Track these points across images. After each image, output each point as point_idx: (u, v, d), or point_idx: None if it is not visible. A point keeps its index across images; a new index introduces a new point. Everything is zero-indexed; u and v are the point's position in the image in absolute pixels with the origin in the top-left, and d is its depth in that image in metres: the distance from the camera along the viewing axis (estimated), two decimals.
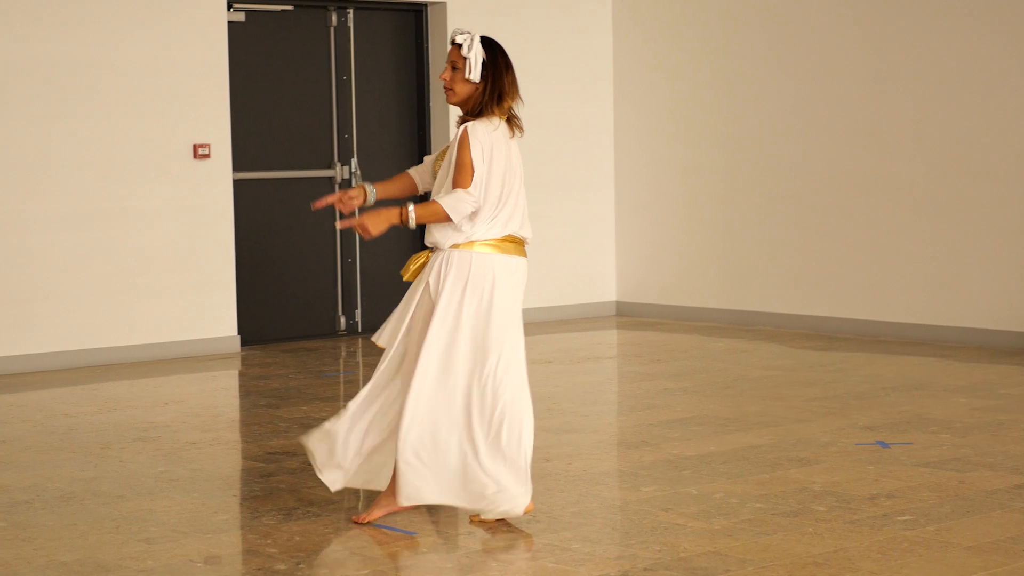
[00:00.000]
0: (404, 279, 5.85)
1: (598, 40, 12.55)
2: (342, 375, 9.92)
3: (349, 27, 11.54)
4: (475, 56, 5.70)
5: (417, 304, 5.77)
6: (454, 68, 5.74)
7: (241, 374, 10.02)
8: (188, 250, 10.58)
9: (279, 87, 11.25)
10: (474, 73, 5.69)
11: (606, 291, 12.70)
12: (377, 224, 5.64)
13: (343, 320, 11.63)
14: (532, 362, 10.03)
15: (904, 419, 7.81)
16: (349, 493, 6.28)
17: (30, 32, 9.89)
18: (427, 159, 5.99)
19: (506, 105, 5.76)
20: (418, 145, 11.93)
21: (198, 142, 10.57)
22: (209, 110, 10.62)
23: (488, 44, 5.77)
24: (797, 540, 5.47)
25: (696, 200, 12.19)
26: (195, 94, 10.58)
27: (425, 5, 11.82)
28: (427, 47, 11.84)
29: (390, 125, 11.82)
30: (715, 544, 5.41)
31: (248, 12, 11.02)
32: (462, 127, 5.72)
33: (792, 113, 11.49)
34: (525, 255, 5.85)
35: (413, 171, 6.02)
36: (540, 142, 12.24)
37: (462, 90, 5.75)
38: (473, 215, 5.65)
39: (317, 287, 11.51)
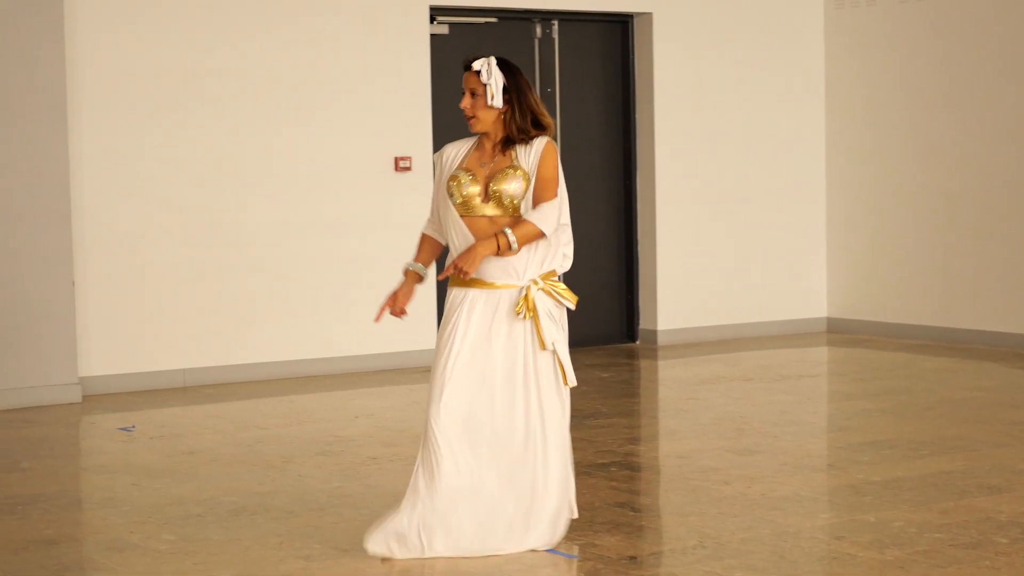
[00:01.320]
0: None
1: (809, 51, 12.26)
2: None
3: (554, 39, 11.48)
4: (495, 81, 5.56)
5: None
6: (473, 95, 5.60)
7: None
8: (390, 263, 10.60)
9: None
10: (496, 99, 5.56)
11: (816, 307, 12.40)
12: (473, 263, 5.50)
13: None
14: (733, 379, 9.88)
15: None
16: None
17: (247, 48, 10.05)
18: (433, 206, 5.79)
19: (547, 123, 5.64)
20: (623, 156, 11.80)
21: (399, 155, 10.61)
22: (411, 123, 10.65)
23: (506, 66, 5.64)
24: (971, 574, 5.21)
25: (911, 215, 11.83)
26: (397, 107, 10.63)
27: (631, 16, 11.69)
28: (633, 58, 11.71)
29: (595, 137, 11.72)
30: None
31: (452, 25, 11.03)
32: (544, 140, 5.59)
33: (1012, 125, 11.07)
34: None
35: (428, 231, 5.84)
36: (749, 155, 12.03)
37: (486, 116, 5.61)
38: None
39: None
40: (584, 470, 7.10)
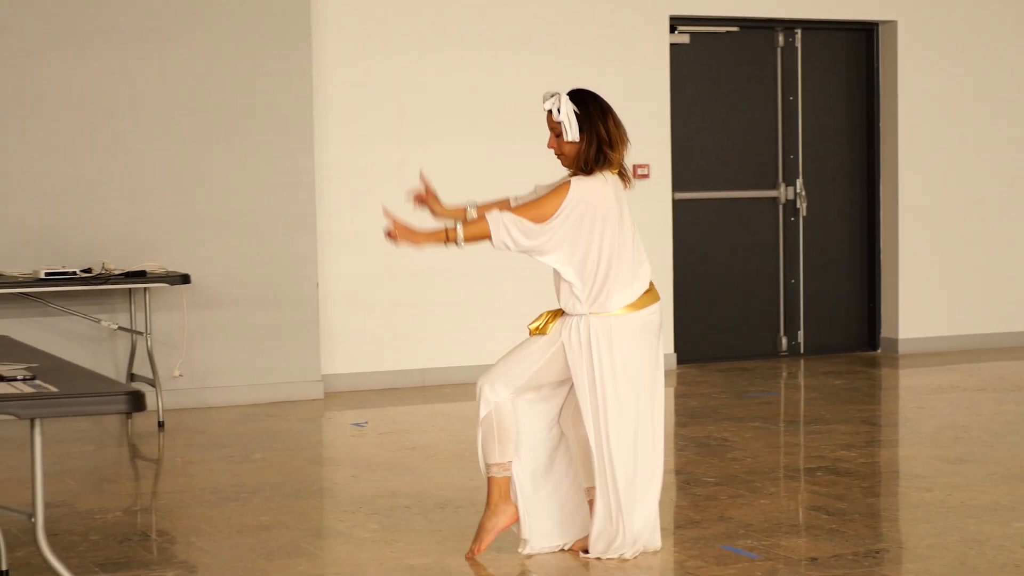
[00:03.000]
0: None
1: None
2: (762, 396, 9.87)
3: (796, 47, 11.52)
4: (567, 117, 5.55)
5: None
6: (557, 134, 5.61)
7: (667, 393, 10.16)
8: None
9: (722, 108, 11.34)
10: (571, 134, 5.54)
11: None
12: (408, 237, 5.51)
13: (785, 341, 11.60)
14: (965, 389, 9.79)
15: None
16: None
17: (487, 64, 10.37)
18: (538, 187, 5.82)
19: (612, 156, 5.59)
20: (866, 164, 11.76)
21: (637, 163, 10.79)
22: (649, 131, 10.82)
23: (578, 98, 5.61)
24: None
25: None
26: (636, 116, 10.79)
27: (876, 25, 11.65)
28: (878, 67, 11.67)
29: (838, 146, 11.71)
30: None
31: (692, 34, 11.16)
32: (568, 177, 5.61)
33: None
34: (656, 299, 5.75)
35: (512, 199, 5.82)
36: (994, 163, 11.88)
37: (571, 150, 5.60)
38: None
39: (758, 307, 11.52)
40: (788, 474, 7.18)
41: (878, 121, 11.70)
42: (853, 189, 11.78)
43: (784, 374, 10.88)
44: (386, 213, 5.61)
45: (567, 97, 5.61)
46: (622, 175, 5.71)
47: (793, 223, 11.57)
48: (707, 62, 11.29)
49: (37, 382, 4.29)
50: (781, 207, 11.53)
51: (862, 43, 11.73)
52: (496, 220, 5.51)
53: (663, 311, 10.36)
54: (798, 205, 11.53)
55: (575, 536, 5.84)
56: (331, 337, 10.04)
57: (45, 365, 4.75)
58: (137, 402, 4.11)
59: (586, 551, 5.73)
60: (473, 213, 5.72)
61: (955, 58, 11.71)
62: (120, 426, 8.96)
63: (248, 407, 9.49)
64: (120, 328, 9.23)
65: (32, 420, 4.11)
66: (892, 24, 11.55)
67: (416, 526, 6.26)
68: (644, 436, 5.66)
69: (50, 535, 6.08)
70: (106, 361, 9.36)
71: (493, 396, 5.69)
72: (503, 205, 5.75)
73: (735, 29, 11.34)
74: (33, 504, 4.18)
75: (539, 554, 5.76)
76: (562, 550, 5.81)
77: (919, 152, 11.61)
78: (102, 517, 6.52)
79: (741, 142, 11.42)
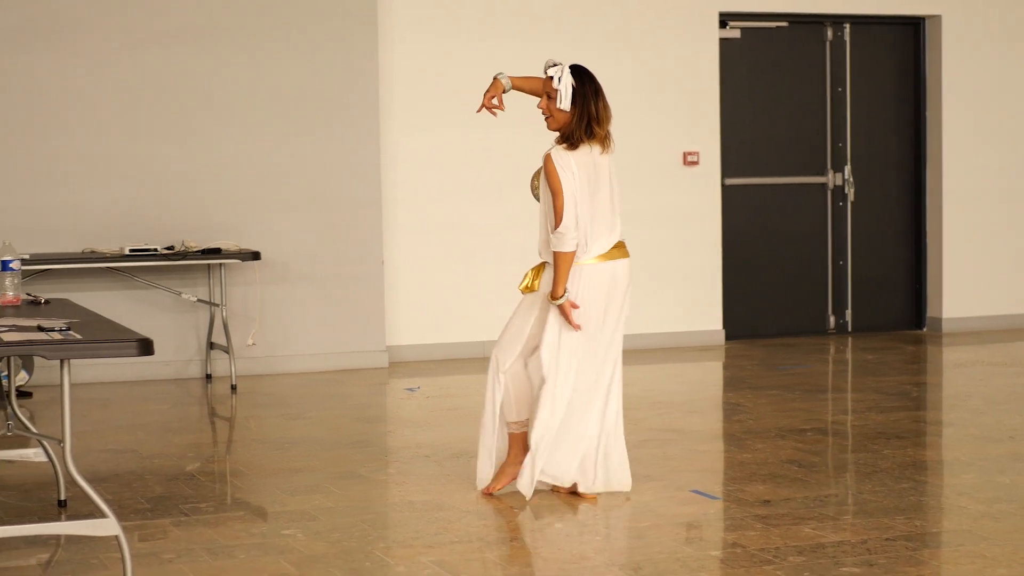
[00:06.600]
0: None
1: None
2: (793, 368, 10.52)
3: (845, 41, 12.15)
4: (564, 86, 6.29)
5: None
6: (549, 97, 6.36)
7: (704, 365, 10.90)
8: (678, 249, 11.55)
9: (771, 98, 12.01)
10: (564, 102, 6.29)
11: None
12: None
13: (832, 319, 12.25)
14: (991, 364, 10.39)
15: None
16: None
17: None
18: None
19: (598, 132, 6.33)
20: (913, 154, 12.35)
21: (688, 150, 11.52)
22: (699, 121, 11.55)
23: (577, 73, 6.34)
24: None
25: None
26: (686, 106, 11.54)
27: (922, 19, 12.25)
28: (924, 59, 12.27)
29: (885, 135, 12.33)
30: None
31: (744, 29, 11.85)
32: (545, 155, 6.34)
33: None
34: (625, 256, 6.45)
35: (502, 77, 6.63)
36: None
37: (560, 117, 6.36)
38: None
39: (806, 287, 12.18)
40: (780, 434, 7.89)
41: (924, 111, 12.29)
42: (899, 175, 12.39)
43: (824, 350, 11.52)
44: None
45: (568, 69, 6.37)
46: (604, 142, 6.43)
47: (841, 208, 12.21)
48: (757, 55, 11.97)
49: (70, 332, 5.16)
50: (830, 192, 12.18)
51: (909, 37, 12.33)
52: (558, 246, 6.27)
53: (712, 289, 11.08)
54: (846, 191, 12.17)
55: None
56: (397, 311, 10.89)
57: (85, 320, 5.63)
58: (146, 348, 4.94)
59: (574, 492, 6.50)
60: (506, 82, 6.62)
61: (998, 51, 12.27)
62: (200, 389, 9.90)
63: (315, 374, 10.37)
64: (199, 300, 10.16)
65: (61, 361, 4.98)
66: (937, 18, 12.15)
67: (428, 471, 7.08)
68: (587, 376, 6.41)
69: (111, 475, 7.06)
70: (188, 331, 10.30)
71: (502, 365, 6.49)
72: (535, 80, 6.57)
73: (784, 24, 12.00)
74: (62, 431, 5.05)
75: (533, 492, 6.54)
76: (555, 490, 6.57)
77: (963, 140, 12.20)
78: (159, 461, 7.42)
79: (791, 131, 12.09)
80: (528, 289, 6.49)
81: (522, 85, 6.66)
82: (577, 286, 6.36)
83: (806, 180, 12.15)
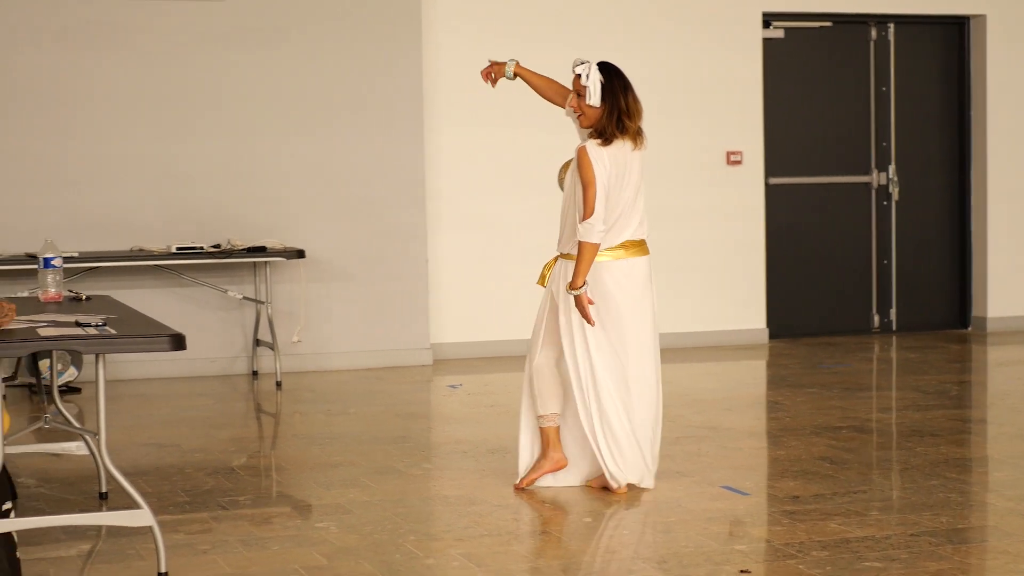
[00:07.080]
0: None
1: None
2: (835, 367, 10.56)
3: (889, 40, 12.17)
4: (593, 83, 6.36)
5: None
6: (579, 95, 6.43)
7: (746, 364, 10.95)
8: (722, 248, 11.61)
9: (815, 98, 12.05)
10: (594, 99, 6.36)
11: None
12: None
13: (877, 318, 12.27)
14: None
15: None
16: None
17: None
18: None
19: (629, 126, 6.39)
20: (958, 153, 12.36)
21: (731, 149, 11.58)
22: (742, 120, 11.61)
23: (605, 69, 6.41)
24: None
25: None
26: (729, 106, 11.60)
27: (967, 19, 12.26)
28: (968, 59, 12.28)
29: (929, 134, 12.34)
30: None
31: (787, 29, 11.90)
32: (579, 147, 6.42)
33: None
34: (645, 253, 6.52)
35: (560, 85, 6.78)
36: None
37: (591, 113, 6.43)
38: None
39: (851, 286, 12.21)
40: (815, 431, 7.94)
41: (969, 110, 12.30)
42: (944, 175, 12.40)
43: (868, 349, 11.55)
44: None
45: (596, 66, 6.45)
46: (636, 137, 6.49)
47: (885, 207, 12.24)
48: (801, 55, 12.00)
49: (106, 328, 5.30)
50: (874, 192, 12.20)
51: (953, 36, 12.34)
52: (584, 236, 6.33)
53: (756, 288, 11.15)
54: (891, 190, 12.20)
55: (590, 474, 6.70)
56: (441, 309, 11.00)
57: (123, 316, 5.76)
58: (178, 343, 5.06)
59: (605, 487, 6.58)
60: (510, 71, 6.85)
61: None
62: (246, 385, 10.04)
63: (360, 371, 10.50)
64: (245, 298, 10.30)
65: (96, 356, 5.11)
66: (982, 18, 12.16)
67: (465, 466, 7.19)
68: (615, 373, 6.51)
69: (153, 468, 7.19)
70: (234, 328, 10.45)
71: (531, 360, 6.64)
72: (546, 79, 6.82)
73: (828, 24, 12.04)
74: (97, 424, 5.18)
75: (558, 487, 6.63)
76: (588, 486, 6.66)
77: (1008, 139, 12.21)
78: (201, 455, 7.56)
79: (835, 130, 12.12)
80: (544, 282, 6.63)
81: (530, 78, 6.86)
82: (593, 281, 6.45)
83: (850, 179, 12.18)
